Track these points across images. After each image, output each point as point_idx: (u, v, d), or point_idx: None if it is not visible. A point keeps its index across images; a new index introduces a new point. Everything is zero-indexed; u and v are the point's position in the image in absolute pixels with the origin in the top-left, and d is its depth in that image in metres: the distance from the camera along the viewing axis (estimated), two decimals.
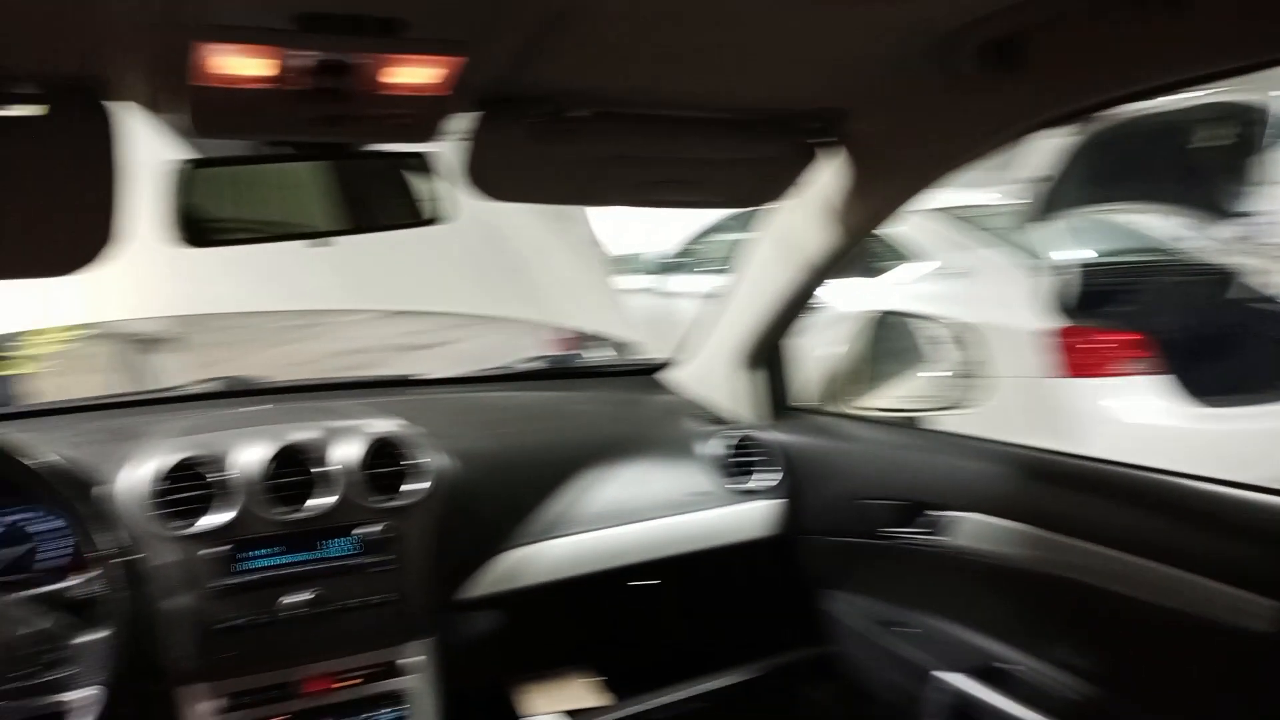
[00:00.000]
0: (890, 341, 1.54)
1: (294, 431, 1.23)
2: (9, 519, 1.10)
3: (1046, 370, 3.05)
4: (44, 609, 1.02)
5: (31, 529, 1.10)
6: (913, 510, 1.33)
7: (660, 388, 1.70)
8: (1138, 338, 3.11)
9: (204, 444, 1.18)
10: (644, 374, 1.76)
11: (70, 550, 1.10)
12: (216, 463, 1.17)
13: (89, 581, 1.04)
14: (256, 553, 1.16)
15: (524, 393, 1.68)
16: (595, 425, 1.55)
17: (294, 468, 1.20)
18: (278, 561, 1.16)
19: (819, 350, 1.62)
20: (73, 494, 1.08)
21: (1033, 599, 1.21)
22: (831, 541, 1.48)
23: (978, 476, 1.29)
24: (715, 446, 1.53)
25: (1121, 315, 3.19)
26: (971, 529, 1.26)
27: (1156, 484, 1.12)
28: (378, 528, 1.21)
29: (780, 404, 1.60)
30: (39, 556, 1.10)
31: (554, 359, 1.77)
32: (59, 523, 1.10)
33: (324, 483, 1.20)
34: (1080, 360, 3.04)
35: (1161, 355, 3.09)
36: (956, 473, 1.33)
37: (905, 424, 1.52)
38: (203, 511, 1.14)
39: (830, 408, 1.59)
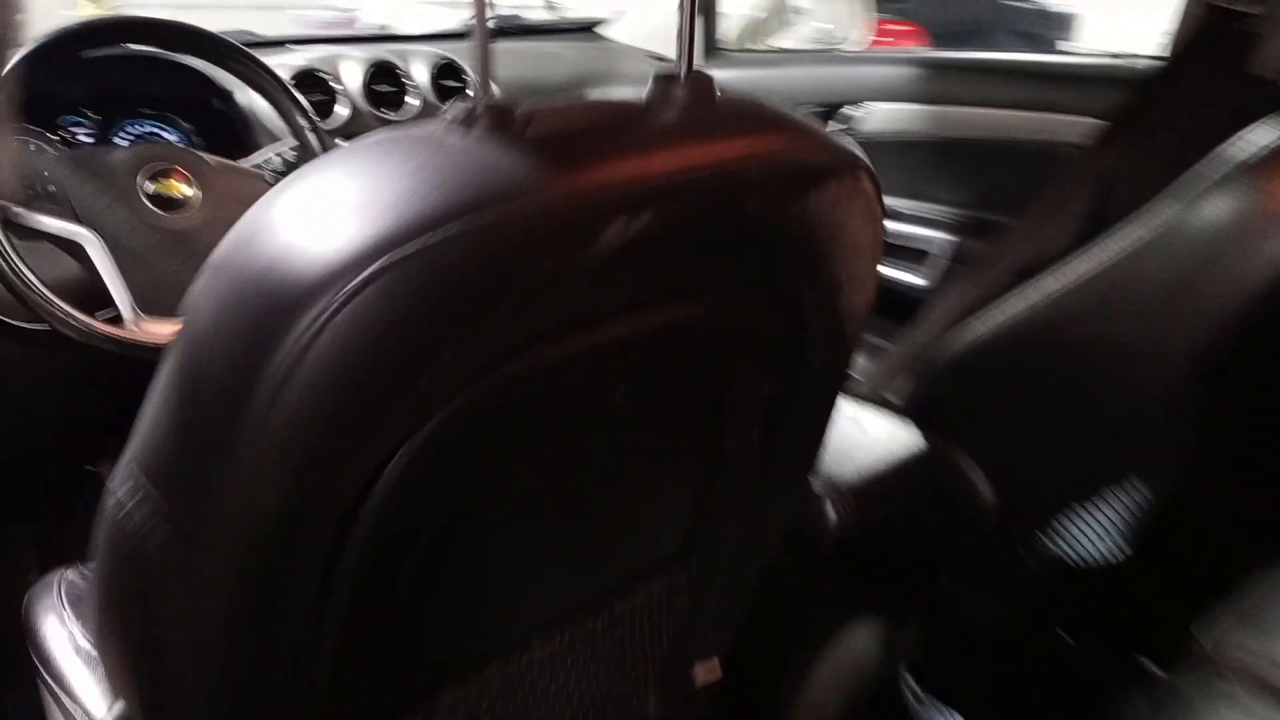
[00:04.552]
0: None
1: (379, 54, 1.53)
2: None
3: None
4: None
5: None
6: (831, 110, 1.83)
7: (602, 39, 2.06)
8: (916, 28, 3.82)
9: (321, 58, 1.46)
10: (584, 30, 2.10)
11: None
12: (333, 73, 1.46)
13: None
14: None
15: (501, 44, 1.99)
16: (577, 67, 1.91)
17: (386, 80, 1.51)
18: None
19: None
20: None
21: (929, 157, 1.76)
22: None
23: (874, 76, 1.80)
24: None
25: (904, 9, 3.86)
26: (878, 116, 1.78)
27: (1002, 61, 1.68)
28: None
29: (711, 46, 2.02)
30: None
31: (500, 18, 2.05)
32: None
33: (411, 92, 1.52)
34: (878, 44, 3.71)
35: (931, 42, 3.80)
36: (858, 77, 1.83)
37: (808, 52, 2.00)
38: (329, 111, 1.44)
39: (750, 46, 2.03)
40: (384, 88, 1.50)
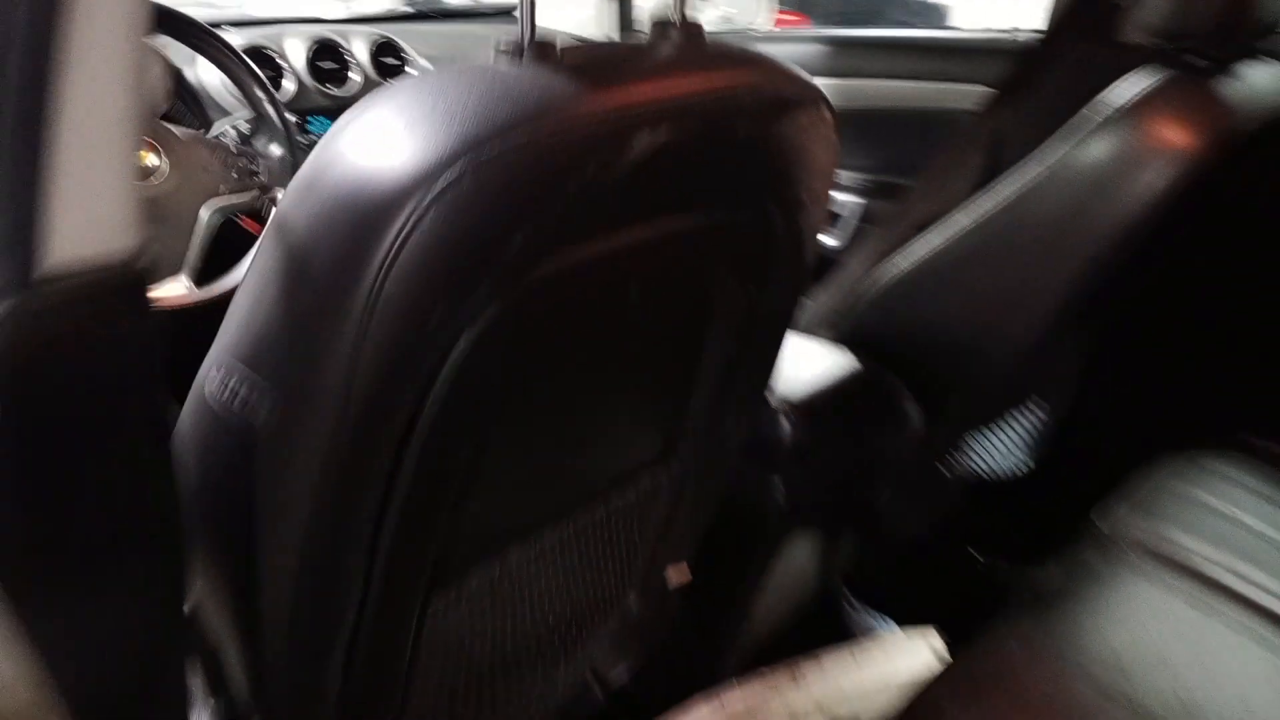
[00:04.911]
0: None
1: (320, 33, 1.59)
2: None
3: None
4: None
5: None
6: None
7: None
8: (803, 18, 4.00)
9: (265, 36, 1.51)
10: (503, 14, 2.18)
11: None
12: (279, 50, 1.51)
13: None
14: (314, 120, 1.55)
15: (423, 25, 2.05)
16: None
17: (329, 58, 1.57)
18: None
19: None
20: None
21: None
22: None
23: (783, 54, 1.93)
24: None
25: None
26: None
27: (901, 38, 1.84)
28: None
29: (626, 26, 2.13)
30: None
31: (424, 2, 2.11)
32: None
33: (354, 68, 1.59)
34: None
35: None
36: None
37: (720, 34, 2.13)
38: (277, 86, 1.50)
39: None
40: (328, 64, 1.56)
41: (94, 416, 0.47)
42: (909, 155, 1.74)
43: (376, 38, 1.64)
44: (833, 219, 1.86)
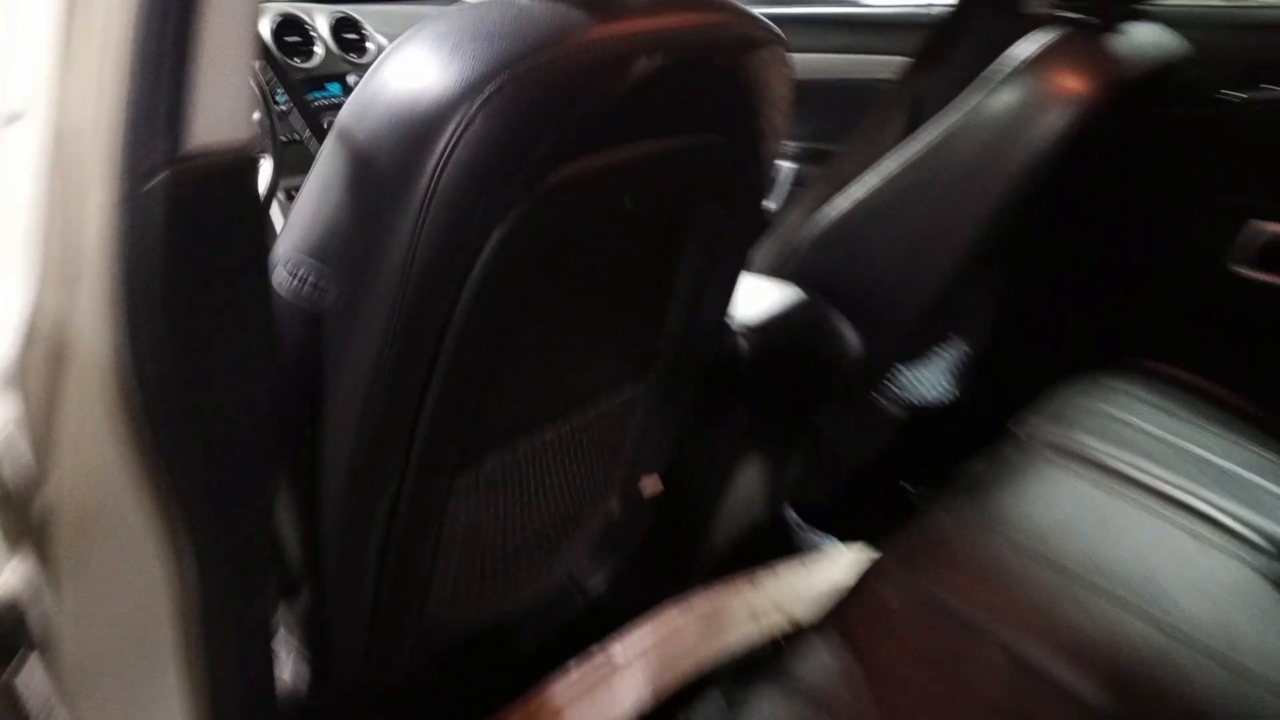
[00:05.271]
0: None
1: (284, 9, 1.67)
2: None
3: None
4: None
5: None
6: None
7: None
8: None
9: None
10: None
11: None
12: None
13: None
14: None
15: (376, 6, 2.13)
16: None
17: (294, 32, 1.65)
18: None
19: None
20: None
21: None
22: None
23: None
24: None
25: None
26: None
27: (825, 14, 1.99)
28: None
29: None
30: None
31: None
32: None
33: (318, 42, 1.67)
34: None
35: None
36: None
37: None
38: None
39: None
40: (293, 38, 1.64)
41: (226, 264, 0.57)
42: (837, 123, 1.89)
43: (336, 14, 1.72)
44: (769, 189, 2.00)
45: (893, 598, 0.98)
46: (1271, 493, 1.21)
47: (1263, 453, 1.30)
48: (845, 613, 0.97)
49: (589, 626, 1.27)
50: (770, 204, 1.98)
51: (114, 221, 0.52)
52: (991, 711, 0.86)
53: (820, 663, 0.90)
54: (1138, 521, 1.13)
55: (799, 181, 1.98)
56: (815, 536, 1.54)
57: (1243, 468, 1.26)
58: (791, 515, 1.55)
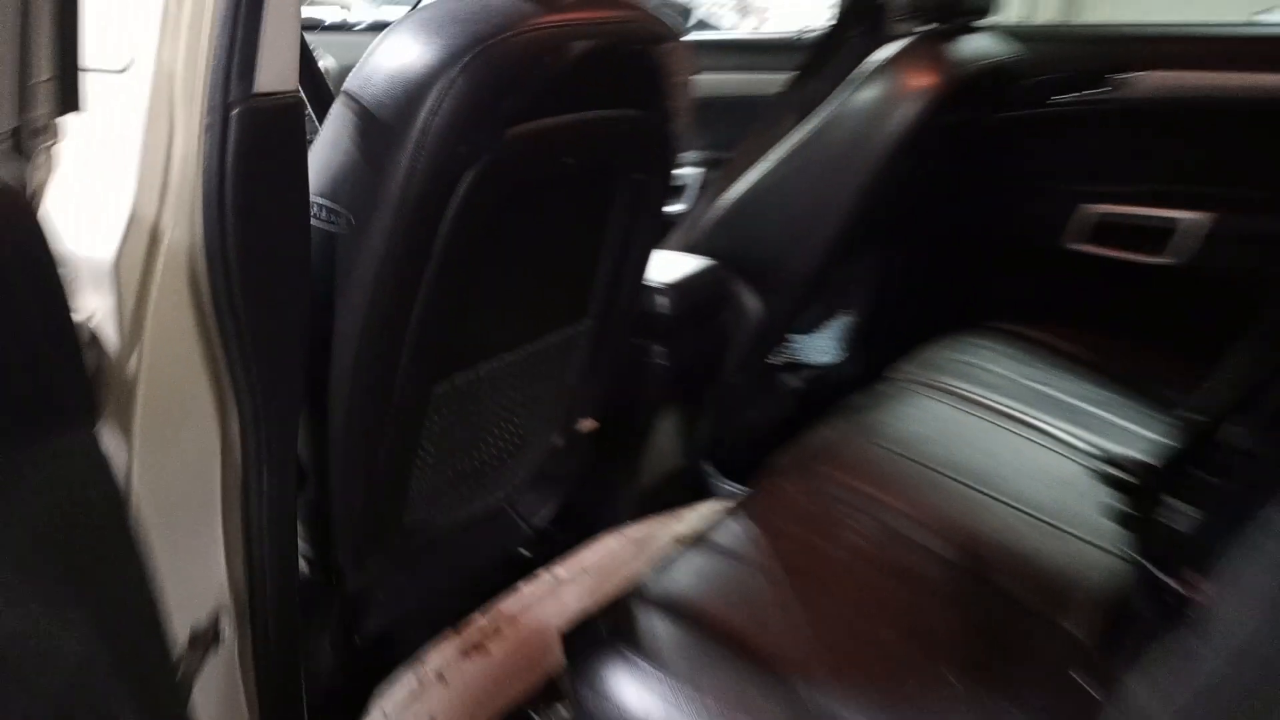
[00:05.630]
0: None
1: None
2: None
3: None
4: None
5: None
6: None
7: None
8: None
9: None
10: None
11: None
12: None
13: None
14: None
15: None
16: None
17: None
18: None
19: None
20: None
21: None
22: None
23: None
24: None
25: None
26: None
27: (720, 40, 2.25)
28: None
29: None
30: None
31: (309, 19, 2.38)
32: None
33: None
34: None
35: None
36: None
37: None
38: None
39: None
40: None
41: (278, 181, 0.76)
42: (732, 134, 2.14)
43: None
44: (678, 190, 2.24)
45: (786, 486, 1.20)
46: (1098, 416, 1.48)
47: (1091, 389, 1.58)
48: (750, 500, 1.19)
49: (535, 559, 1.46)
50: (679, 206, 2.22)
51: (200, 144, 0.71)
52: (864, 561, 1.08)
53: (730, 531, 1.11)
54: (988, 433, 1.38)
55: (704, 185, 2.22)
56: (729, 486, 1.76)
57: (1075, 399, 1.52)
58: (709, 467, 1.77)
